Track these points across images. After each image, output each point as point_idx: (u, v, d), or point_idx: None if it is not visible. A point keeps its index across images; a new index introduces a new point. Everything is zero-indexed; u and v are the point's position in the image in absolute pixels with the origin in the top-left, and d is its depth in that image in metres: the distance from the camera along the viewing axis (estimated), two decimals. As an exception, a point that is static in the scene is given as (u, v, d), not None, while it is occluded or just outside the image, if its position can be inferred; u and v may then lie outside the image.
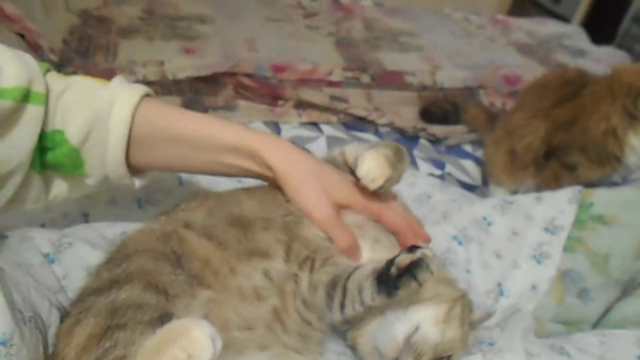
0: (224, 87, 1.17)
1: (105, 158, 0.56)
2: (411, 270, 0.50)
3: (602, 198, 0.85)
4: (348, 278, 0.55)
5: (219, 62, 1.19)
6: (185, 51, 1.26)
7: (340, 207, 0.60)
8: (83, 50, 1.19)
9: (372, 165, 0.57)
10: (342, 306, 0.54)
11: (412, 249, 0.51)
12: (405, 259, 0.50)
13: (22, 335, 0.42)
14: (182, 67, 1.16)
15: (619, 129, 0.91)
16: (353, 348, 0.61)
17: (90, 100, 0.56)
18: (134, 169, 0.59)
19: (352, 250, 0.59)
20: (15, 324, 0.42)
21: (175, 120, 0.58)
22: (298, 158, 0.59)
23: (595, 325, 0.78)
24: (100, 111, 0.55)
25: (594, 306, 0.77)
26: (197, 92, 1.14)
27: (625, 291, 0.80)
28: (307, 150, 0.66)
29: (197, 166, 0.61)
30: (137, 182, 0.60)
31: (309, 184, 0.59)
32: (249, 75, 1.19)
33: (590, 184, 0.89)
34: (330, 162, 0.67)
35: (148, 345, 0.41)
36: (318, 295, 0.55)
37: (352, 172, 0.65)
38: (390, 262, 0.52)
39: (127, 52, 1.21)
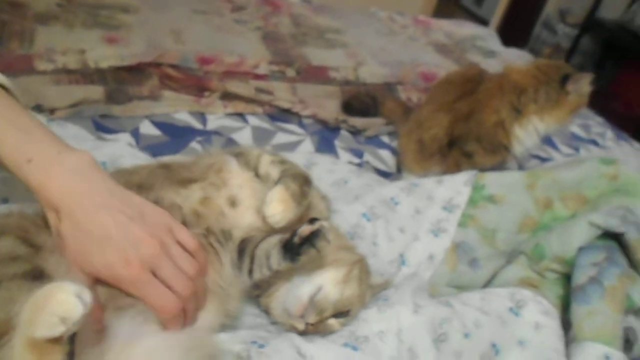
0: (149, 77, 1.17)
1: None
2: (311, 239, 0.58)
3: (492, 180, 0.97)
4: (256, 247, 0.62)
5: (144, 52, 1.20)
6: (108, 40, 1.24)
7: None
8: (-3, 36, 1.15)
9: (278, 209, 0.63)
10: (251, 271, 0.62)
11: (312, 220, 0.59)
12: (305, 229, 0.59)
13: None
14: (104, 56, 1.15)
15: (506, 121, 1.04)
16: (267, 312, 0.68)
17: None
18: None
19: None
20: None
21: None
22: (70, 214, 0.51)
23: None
24: None
25: (482, 273, 0.89)
26: (121, 82, 1.13)
27: (509, 260, 0.93)
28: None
29: None
30: None
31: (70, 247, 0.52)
32: (174, 67, 1.21)
33: (485, 171, 1.01)
34: (243, 158, 0.72)
35: (22, 318, 0.42)
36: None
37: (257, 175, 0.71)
38: (294, 233, 0.60)
39: (44, 40, 1.18)
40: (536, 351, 0.72)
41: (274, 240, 0.62)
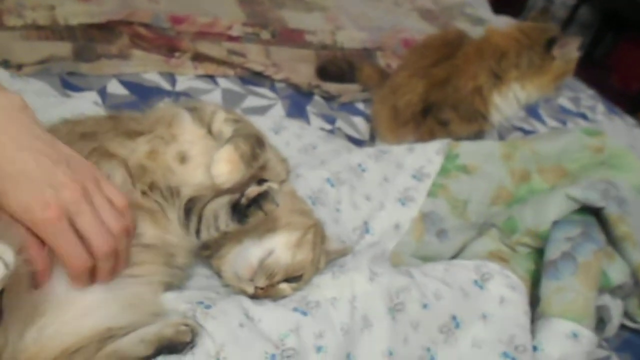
0: (120, 36, 1.14)
1: None
2: (258, 201, 0.55)
3: (466, 150, 0.94)
4: (204, 206, 0.59)
5: (115, 10, 1.16)
6: None
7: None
8: (-38, -10, 1.11)
9: (225, 169, 0.60)
10: (198, 231, 0.59)
11: (261, 181, 0.57)
12: (253, 190, 0.56)
13: None
14: (74, 12, 1.11)
15: (484, 88, 0.99)
16: (219, 275, 0.66)
17: None
18: None
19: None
20: None
21: None
22: None
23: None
24: None
25: (450, 244, 0.87)
26: (91, 40, 1.10)
27: (480, 232, 0.90)
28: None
29: None
30: None
31: None
32: (145, 26, 1.17)
33: (461, 140, 0.98)
34: (197, 113, 0.68)
35: None
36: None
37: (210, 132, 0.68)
38: (243, 194, 0.57)
39: None
40: (499, 326, 0.70)
41: (223, 200, 0.59)
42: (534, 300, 0.78)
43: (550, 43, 0.97)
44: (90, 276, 0.52)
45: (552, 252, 0.80)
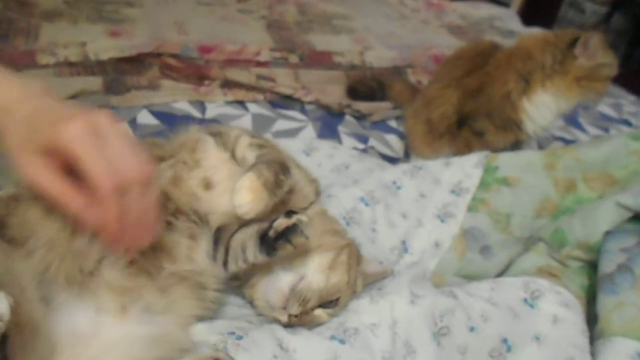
0: (150, 67, 1.16)
1: None
2: (286, 234, 0.53)
3: (506, 161, 0.90)
4: (231, 237, 0.57)
5: (144, 43, 1.19)
6: (111, 34, 1.25)
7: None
8: (2, 34, 1.17)
9: (247, 199, 0.56)
10: (225, 263, 0.57)
11: (289, 213, 0.54)
12: (281, 223, 0.54)
13: None
14: (105, 48, 1.15)
15: (513, 93, 0.95)
16: (252, 304, 0.63)
17: None
18: None
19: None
20: None
21: None
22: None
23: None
24: None
25: (495, 261, 0.82)
26: (122, 73, 1.13)
27: (526, 247, 0.85)
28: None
29: None
30: None
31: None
32: (175, 56, 1.19)
33: (498, 151, 0.93)
34: (221, 138, 0.66)
35: None
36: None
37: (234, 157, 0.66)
38: (271, 225, 0.54)
39: (48, 35, 1.19)
40: (555, 348, 0.65)
41: (251, 230, 0.57)
42: (592, 319, 0.72)
43: (573, 42, 0.93)
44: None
45: (607, 265, 0.74)
